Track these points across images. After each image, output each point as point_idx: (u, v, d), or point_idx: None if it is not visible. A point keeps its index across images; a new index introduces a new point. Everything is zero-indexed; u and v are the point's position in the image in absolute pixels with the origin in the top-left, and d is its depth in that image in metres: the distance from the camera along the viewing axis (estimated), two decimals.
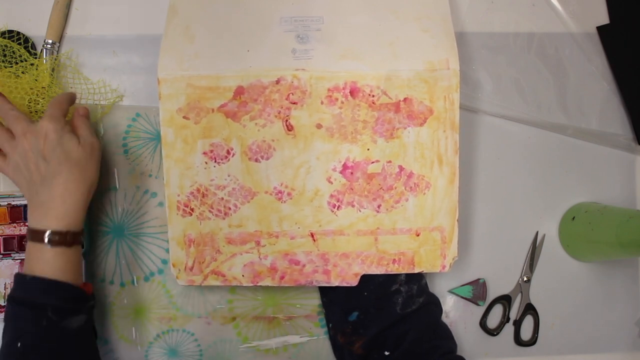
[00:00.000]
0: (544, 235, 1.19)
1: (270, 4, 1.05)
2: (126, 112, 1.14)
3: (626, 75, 1.19)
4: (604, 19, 1.21)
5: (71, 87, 1.12)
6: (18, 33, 1.11)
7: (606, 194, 1.21)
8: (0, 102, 1.00)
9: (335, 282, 1.04)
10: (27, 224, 1.08)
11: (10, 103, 1.01)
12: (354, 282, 1.04)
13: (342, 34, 1.03)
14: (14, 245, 1.10)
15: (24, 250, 1.08)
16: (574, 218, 1.16)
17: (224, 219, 1.02)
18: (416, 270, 1.04)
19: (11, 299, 0.94)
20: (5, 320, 0.94)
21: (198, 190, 1.02)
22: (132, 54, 1.16)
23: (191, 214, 1.02)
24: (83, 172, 0.97)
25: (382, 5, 1.06)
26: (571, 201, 1.20)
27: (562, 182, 1.20)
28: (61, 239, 0.93)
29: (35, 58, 1.10)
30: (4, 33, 1.10)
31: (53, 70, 1.10)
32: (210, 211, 1.02)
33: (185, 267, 1.03)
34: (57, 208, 0.94)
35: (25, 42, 1.11)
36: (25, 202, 1.10)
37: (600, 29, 1.20)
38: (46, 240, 0.92)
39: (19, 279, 0.94)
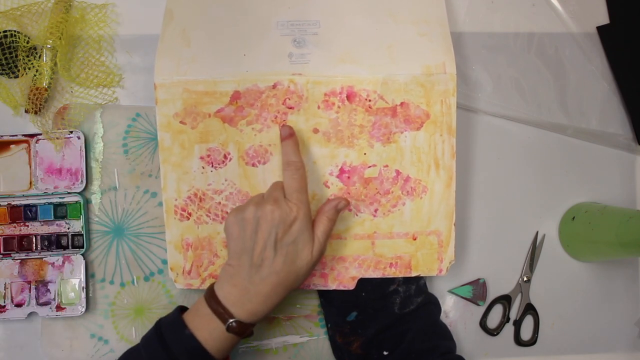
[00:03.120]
0: (544, 235, 1.19)
1: (266, 8, 1.05)
2: (126, 112, 1.14)
3: (626, 75, 1.19)
4: (604, 19, 1.21)
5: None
6: (18, 33, 1.10)
7: (606, 194, 1.20)
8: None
9: (332, 286, 1.04)
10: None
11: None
12: (351, 285, 1.04)
13: (339, 38, 1.03)
14: (14, 245, 1.10)
15: (24, 250, 1.10)
16: (574, 218, 1.16)
17: (221, 223, 1.03)
18: (413, 274, 1.04)
19: (159, 336, 0.90)
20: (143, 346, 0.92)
21: (195, 194, 1.02)
22: (132, 54, 1.15)
23: (189, 218, 1.03)
24: (297, 280, 0.92)
25: (379, 9, 1.06)
26: (571, 201, 1.20)
27: (562, 182, 1.20)
28: (240, 329, 0.89)
29: (35, 58, 1.10)
30: (5, 33, 1.10)
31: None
32: (207, 215, 1.02)
33: (183, 270, 1.03)
34: (254, 303, 0.90)
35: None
36: (25, 202, 1.10)
37: (600, 29, 1.20)
38: (226, 326, 0.88)
39: (178, 323, 0.90)
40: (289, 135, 0.98)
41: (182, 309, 0.95)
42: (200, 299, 0.92)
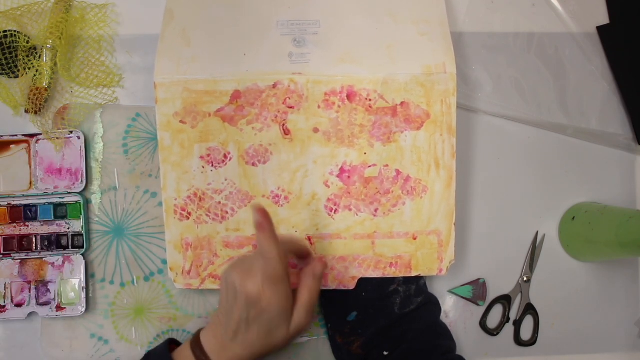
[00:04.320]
0: (544, 235, 1.19)
1: (267, 7, 1.05)
2: (126, 112, 1.14)
3: (626, 75, 1.19)
4: (604, 19, 1.21)
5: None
6: (18, 33, 1.10)
7: (606, 194, 1.20)
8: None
9: (332, 286, 1.04)
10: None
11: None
12: (351, 285, 1.04)
13: (339, 37, 1.03)
14: (14, 245, 1.10)
15: (24, 250, 1.10)
16: (574, 218, 1.15)
17: (221, 222, 1.03)
18: (413, 274, 1.04)
19: None
20: None
21: (195, 194, 1.02)
22: (132, 54, 1.15)
23: (188, 218, 1.03)
24: (274, 348, 0.92)
25: (380, 8, 1.06)
26: (571, 201, 1.19)
27: (562, 182, 1.19)
28: None
29: (35, 58, 1.10)
30: (5, 33, 1.10)
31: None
32: (207, 215, 1.02)
33: (183, 270, 1.03)
34: (231, 357, 0.91)
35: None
36: (25, 202, 1.10)
37: (600, 29, 1.20)
38: None
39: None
40: (259, 226, 0.87)
41: (171, 342, 0.98)
42: (188, 341, 0.95)
